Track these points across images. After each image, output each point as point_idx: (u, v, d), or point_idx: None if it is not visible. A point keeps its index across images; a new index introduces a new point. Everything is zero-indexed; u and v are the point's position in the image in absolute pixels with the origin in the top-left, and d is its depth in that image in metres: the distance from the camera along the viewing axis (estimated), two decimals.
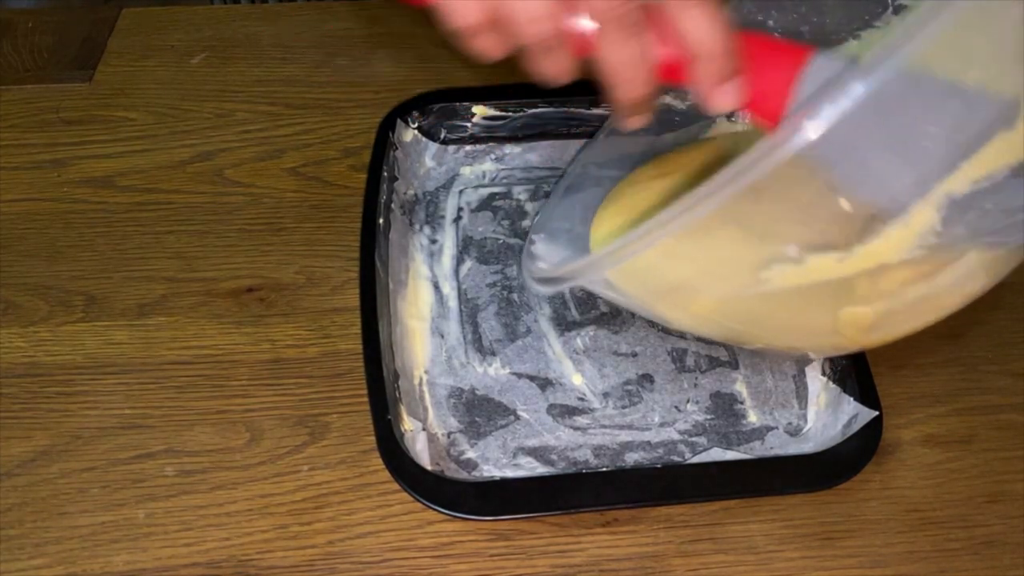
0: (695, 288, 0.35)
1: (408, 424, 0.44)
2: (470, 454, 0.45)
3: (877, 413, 0.43)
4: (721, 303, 0.35)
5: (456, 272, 0.53)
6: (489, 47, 0.32)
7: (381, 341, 0.46)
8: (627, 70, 0.31)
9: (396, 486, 0.42)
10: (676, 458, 0.45)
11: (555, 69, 0.32)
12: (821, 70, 0.32)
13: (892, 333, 0.36)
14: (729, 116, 0.52)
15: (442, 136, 0.59)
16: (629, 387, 0.48)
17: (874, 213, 0.30)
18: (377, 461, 0.42)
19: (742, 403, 0.47)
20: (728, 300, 0.35)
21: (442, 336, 0.50)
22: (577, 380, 0.48)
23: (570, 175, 0.50)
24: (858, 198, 0.29)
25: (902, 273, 0.32)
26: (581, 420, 0.47)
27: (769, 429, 0.46)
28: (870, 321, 0.34)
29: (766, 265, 0.32)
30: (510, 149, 0.59)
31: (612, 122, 0.48)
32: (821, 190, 0.29)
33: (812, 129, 0.25)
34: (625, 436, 0.46)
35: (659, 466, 0.44)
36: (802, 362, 0.48)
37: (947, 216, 0.29)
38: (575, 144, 0.58)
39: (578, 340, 0.50)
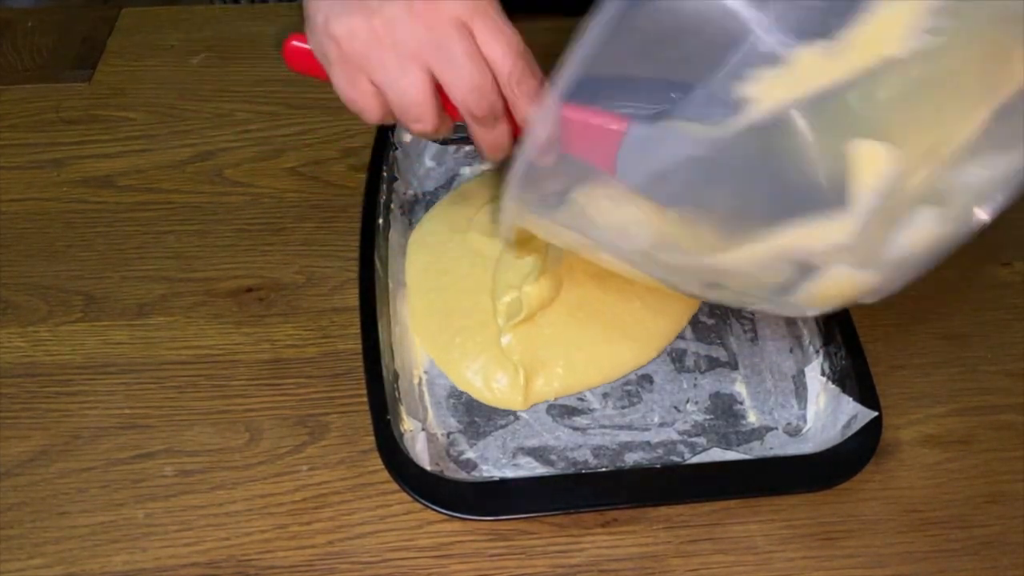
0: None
1: (408, 424, 0.44)
2: (469, 454, 0.45)
3: (876, 413, 0.43)
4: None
5: None
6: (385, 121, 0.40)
7: (381, 341, 0.46)
8: (494, 147, 0.40)
9: (396, 486, 0.42)
10: (676, 458, 0.45)
11: (444, 136, 0.41)
12: (639, 130, 0.36)
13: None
14: None
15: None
16: (628, 387, 0.48)
17: None
18: (377, 461, 0.42)
19: (742, 403, 0.47)
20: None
21: None
22: None
23: None
24: None
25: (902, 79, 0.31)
26: (580, 420, 0.47)
27: (769, 429, 0.46)
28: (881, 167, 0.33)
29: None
30: None
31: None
32: None
33: None
34: (625, 436, 0.46)
35: (659, 466, 0.44)
36: (802, 362, 0.49)
37: None
38: None
39: None
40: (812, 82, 0.31)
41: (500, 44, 0.36)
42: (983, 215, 0.33)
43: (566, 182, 0.38)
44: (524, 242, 0.48)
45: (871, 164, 0.32)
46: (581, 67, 0.30)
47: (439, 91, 0.38)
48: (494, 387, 0.47)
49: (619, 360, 0.48)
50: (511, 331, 0.48)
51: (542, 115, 0.33)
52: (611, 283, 0.49)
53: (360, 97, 0.38)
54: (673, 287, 0.42)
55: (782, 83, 0.31)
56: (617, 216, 0.37)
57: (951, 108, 0.32)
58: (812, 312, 0.40)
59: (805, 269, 0.35)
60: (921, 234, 0.34)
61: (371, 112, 0.39)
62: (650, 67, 0.36)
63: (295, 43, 0.41)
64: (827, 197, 0.33)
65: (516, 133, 0.40)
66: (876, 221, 0.33)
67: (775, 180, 0.34)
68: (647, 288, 0.49)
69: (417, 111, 0.37)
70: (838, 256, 0.34)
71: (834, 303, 0.38)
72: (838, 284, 0.35)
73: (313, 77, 0.41)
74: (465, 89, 0.36)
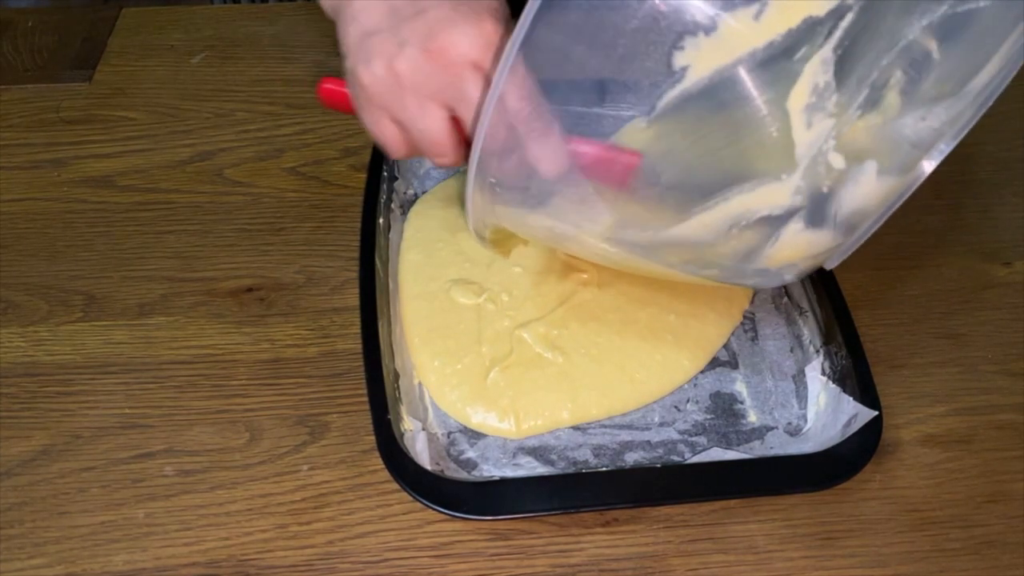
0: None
1: (408, 424, 0.44)
2: (470, 454, 0.45)
3: (877, 413, 0.43)
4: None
5: None
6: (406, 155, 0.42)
7: (381, 341, 0.46)
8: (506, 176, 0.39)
9: (396, 486, 0.42)
10: (676, 458, 0.45)
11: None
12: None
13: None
14: None
15: None
16: None
17: None
18: (377, 461, 0.42)
19: (742, 403, 0.47)
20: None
21: None
22: None
23: None
24: None
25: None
26: None
27: (769, 429, 0.46)
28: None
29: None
30: None
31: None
32: None
33: None
34: (625, 436, 0.46)
35: (659, 466, 0.44)
36: (802, 362, 0.48)
37: None
38: None
39: None
40: (744, 46, 0.32)
41: (511, 84, 0.36)
42: (927, 166, 0.33)
43: (523, 177, 0.38)
44: (501, 241, 0.48)
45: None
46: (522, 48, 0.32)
47: (457, 126, 0.39)
48: (475, 422, 0.46)
49: (632, 398, 0.47)
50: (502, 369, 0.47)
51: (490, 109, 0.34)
52: (619, 319, 0.49)
53: (385, 136, 0.41)
54: (648, 270, 0.43)
55: (716, 49, 0.32)
56: (577, 199, 0.38)
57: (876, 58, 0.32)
58: (777, 282, 0.40)
59: (762, 235, 0.36)
60: (867, 189, 0.34)
61: (396, 149, 0.41)
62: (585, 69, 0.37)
63: (328, 86, 0.44)
64: (771, 159, 0.34)
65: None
66: (819, 179, 0.34)
67: (718, 147, 0.35)
68: (657, 328, 0.49)
69: (439, 148, 0.40)
70: (789, 217, 0.35)
71: (795, 269, 0.38)
72: (794, 246, 0.36)
73: (346, 112, 0.44)
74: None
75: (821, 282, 0.49)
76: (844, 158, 0.33)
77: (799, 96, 0.32)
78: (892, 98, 0.33)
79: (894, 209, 0.34)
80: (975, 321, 0.52)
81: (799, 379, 0.48)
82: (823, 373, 0.47)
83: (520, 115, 0.36)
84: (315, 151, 0.60)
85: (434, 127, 0.39)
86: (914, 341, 0.51)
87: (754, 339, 0.50)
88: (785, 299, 0.51)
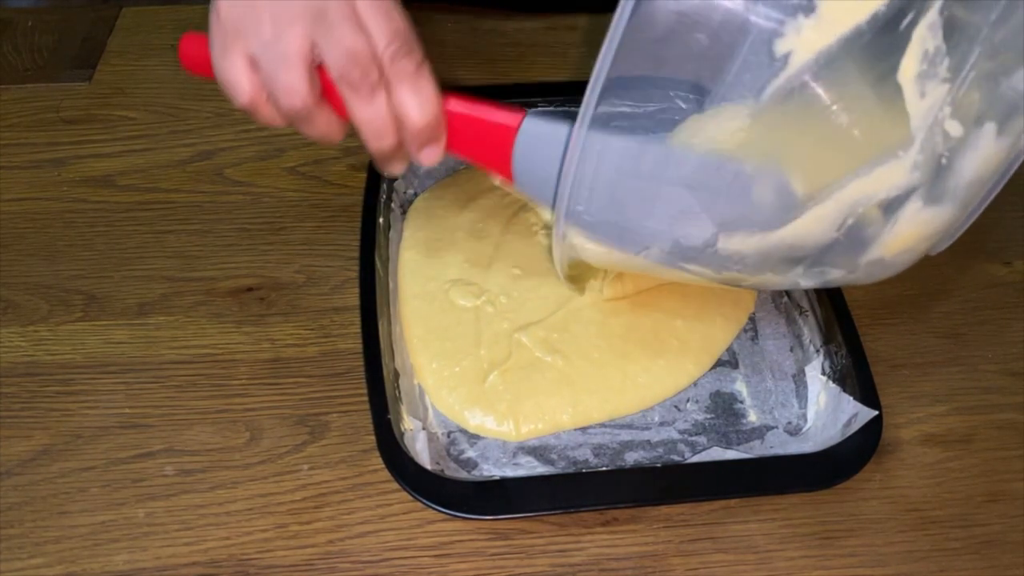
0: None
1: (408, 423, 0.44)
2: (470, 453, 0.45)
3: (877, 412, 0.43)
4: None
5: None
6: (270, 118, 0.39)
7: (381, 340, 0.46)
8: (376, 135, 0.37)
9: (396, 485, 0.42)
10: (676, 457, 0.45)
11: (321, 131, 0.39)
12: (535, 127, 0.37)
13: None
14: None
15: None
16: None
17: None
18: (377, 460, 0.42)
19: (742, 402, 0.47)
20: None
21: None
22: None
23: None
24: None
25: None
26: None
27: (769, 428, 0.46)
28: None
29: None
30: None
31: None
32: None
33: None
34: (625, 435, 0.46)
35: (659, 465, 0.44)
36: (802, 361, 0.49)
37: None
38: None
39: None
40: (847, 22, 0.31)
41: (380, 18, 0.35)
42: None
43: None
44: (578, 276, 0.47)
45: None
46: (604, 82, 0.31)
47: (321, 74, 0.37)
48: (473, 425, 0.46)
49: (635, 402, 0.47)
50: (501, 374, 0.47)
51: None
52: (623, 324, 0.49)
53: (231, 68, 0.37)
54: (749, 282, 0.40)
55: (818, 30, 0.31)
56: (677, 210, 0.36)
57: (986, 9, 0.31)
58: (886, 273, 0.38)
59: (878, 221, 0.34)
60: (986, 153, 0.33)
61: (241, 87, 0.37)
62: (653, 67, 0.36)
63: (187, 39, 0.41)
64: (886, 137, 0.32)
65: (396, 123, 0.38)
66: (937, 151, 0.32)
67: (828, 133, 0.33)
68: (662, 333, 0.48)
69: (289, 78, 0.36)
70: (908, 196, 0.33)
71: (911, 255, 0.36)
72: (914, 227, 0.34)
73: (206, 77, 0.40)
74: (340, 52, 0.35)
75: None
76: (961, 124, 0.32)
77: (910, 65, 0.31)
78: (1004, 55, 0.31)
79: (1008, 177, 0.33)
80: (975, 321, 0.52)
81: (799, 379, 0.48)
82: (823, 373, 0.47)
83: (390, 48, 0.35)
84: (315, 151, 0.60)
85: (289, 52, 0.35)
86: (914, 341, 0.51)
87: (754, 339, 0.50)
88: (785, 299, 0.51)
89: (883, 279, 0.39)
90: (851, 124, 0.33)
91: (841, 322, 0.47)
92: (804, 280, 0.38)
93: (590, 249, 0.39)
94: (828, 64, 0.31)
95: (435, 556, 0.41)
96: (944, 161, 0.33)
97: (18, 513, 0.42)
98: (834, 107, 0.32)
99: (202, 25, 0.69)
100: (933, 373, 0.49)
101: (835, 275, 0.38)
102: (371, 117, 0.37)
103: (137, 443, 0.45)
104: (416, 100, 0.35)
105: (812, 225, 0.34)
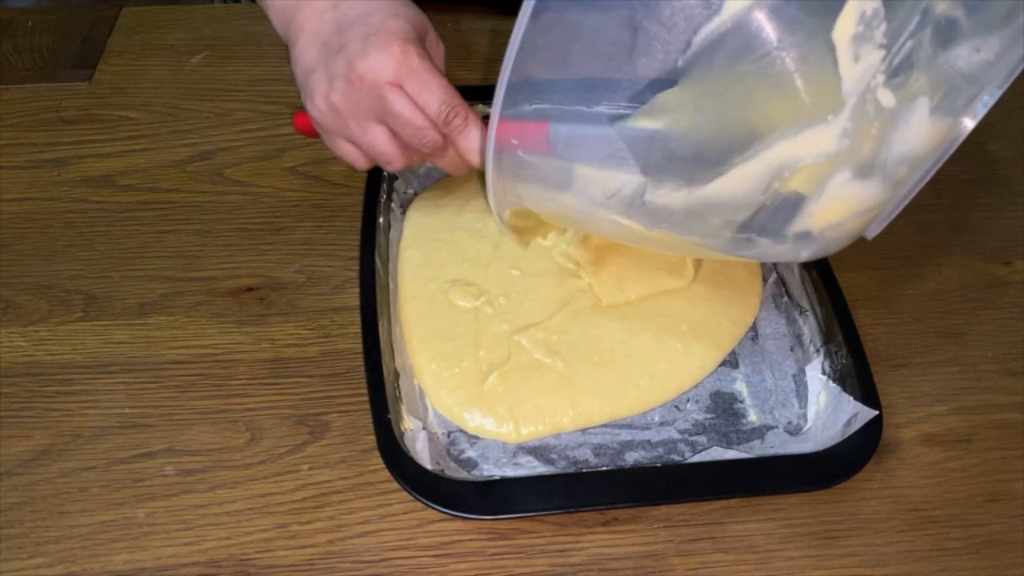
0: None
1: (408, 423, 0.44)
2: (470, 453, 0.45)
3: (877, 412, 0.43)
4: None
5: None
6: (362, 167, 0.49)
7: (381, 340, 0.46)
8: (452, 168, 0.48)
9: (396, 485, 0.42)
10: (676, 457, 0.45)
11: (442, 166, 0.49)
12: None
13: None
14: None
15: None
16: None
17: None
18: (377, 460, 0.42)
19: (742, 402, 0.47)
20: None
21: None
22: None
23: None
24: None
25: None
26: None
27: (769, 428, 0.46)
28: None
29: None
30: None
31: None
32: None
33: None
34: (625, 435, 0.46)
35: (659, 465, 0.44)
36: (802, 361, 0.49)
37: None
38: None
39: None
40: None
41: (425, 95, 0.43)
42: (979, 104, 0.31)
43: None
44: (523, 228, 0.47)
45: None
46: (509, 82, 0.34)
47: (397, 135, 0.45)
48: (472, 426, 0.46)
49: (636, 404, 0.47)
50: (500, 372, 0.47)
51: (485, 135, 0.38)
52: (625, 322, 0.49)
53: (345, 154, 0.48)
54: (676, 244, 0.40)
55: None
56: (605, 154, 0.37)
57: None
58: (808, 253, 0.38)
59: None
60: (917, 129, 0.32)
61: (358, 162, 0.48)
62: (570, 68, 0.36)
63: (300, 119, 0.52)
64: (815, 98, 0.32)
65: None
66: (867, 120, 0.32)
67: (755, 88, 0.33)
68: (665, 337, 0.48)
69: (387, 156, 0.46)
70: (834, 165, 0.33)
71: (840, 230, 0.36)
72: (840, 200, 0.34)
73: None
74: (410, 135, 0.44)
75: (821, 281, 0.49)
76: (894, 95, 0.31)
77: (845, 26, 0.30)
78: (945, 27, 0.31)
79: (942, 163, 0.32)
80: (975, 321, 0.52)
81: (799, 378, 0.48)
82: (823, 372, 0.47)
83: (439, 116, 0.43)
84: (315, 150, 0.60)
85: (377, 141, 0.46)
86: (914, 340, 0.51)
87: (754, 338, 0.50)
88: (785, 298, 0.51)
89: (818, 258, 0.39)
90: (778, 81, 0.32)
91: (841, 322, 0.47)
92: (734, 249, 0.38)
93: (524, 189, 0.41)
94: (760, 13, 0.31)
95: (435, 556, 0.41)
96: (875, 132, 0.32)
97: (18, 513, 0.42)
98: (763, 60, 0.32)
99: (202, 25, 0.70)
100: (933, 373, 0.49)
101: (764, 245, 0.37)
102: (447, 164, 0.47)
103: (137, 443, 0.45)
104: (471, 146, 0.44)
105: (737, 184, 0.34)
